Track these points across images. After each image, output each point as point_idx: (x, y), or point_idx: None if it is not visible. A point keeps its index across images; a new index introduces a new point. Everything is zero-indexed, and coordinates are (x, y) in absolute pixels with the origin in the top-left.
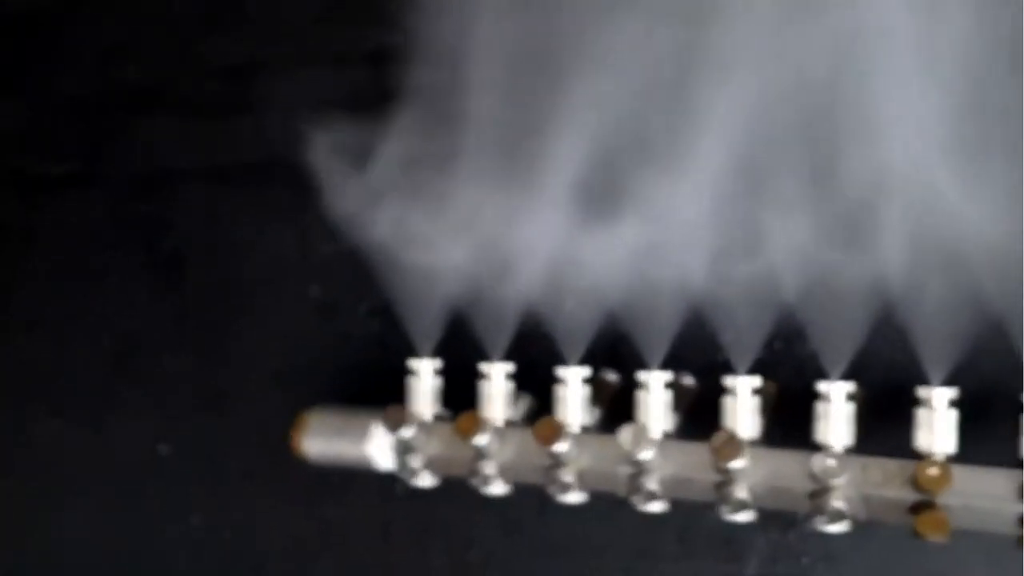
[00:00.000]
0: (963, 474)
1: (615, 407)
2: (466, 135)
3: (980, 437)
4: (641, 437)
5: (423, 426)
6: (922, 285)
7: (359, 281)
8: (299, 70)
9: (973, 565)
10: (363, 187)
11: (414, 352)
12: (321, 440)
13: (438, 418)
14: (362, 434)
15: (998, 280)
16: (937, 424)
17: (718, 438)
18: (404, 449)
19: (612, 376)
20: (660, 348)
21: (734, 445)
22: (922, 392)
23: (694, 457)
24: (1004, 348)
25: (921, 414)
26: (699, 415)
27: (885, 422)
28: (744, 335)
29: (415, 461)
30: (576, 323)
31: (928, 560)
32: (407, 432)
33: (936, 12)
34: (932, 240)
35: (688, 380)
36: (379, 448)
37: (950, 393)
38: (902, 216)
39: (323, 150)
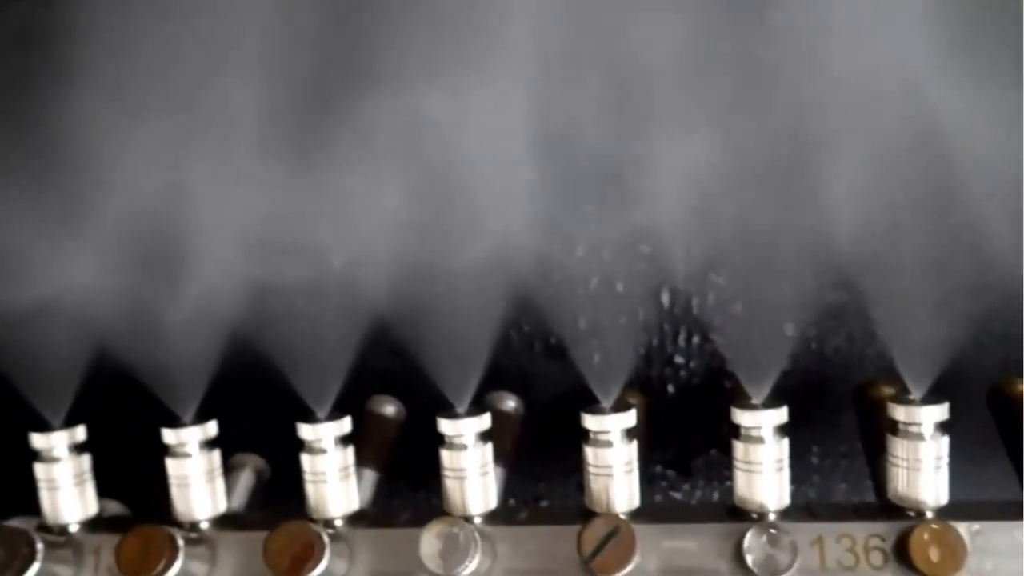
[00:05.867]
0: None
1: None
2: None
3: None
4: (460, 540)
5: (66, 546)
6: None
7: None
8: None
9: None
10: None
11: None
12: None
13: (92, 524)
14: None
15: None
16: (925, 461)
17: (589, 538)
18: None
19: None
20: (468, 369)
21: (625, 544)
22: (905, 414)
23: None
24: None
25: (900, 448)
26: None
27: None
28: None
29: None
30: (308, 338)
31: None
32: (31, 570)
33: None
34: None
35: (510, 402)
36: None
37: (937, 413)
38: None
39: None
